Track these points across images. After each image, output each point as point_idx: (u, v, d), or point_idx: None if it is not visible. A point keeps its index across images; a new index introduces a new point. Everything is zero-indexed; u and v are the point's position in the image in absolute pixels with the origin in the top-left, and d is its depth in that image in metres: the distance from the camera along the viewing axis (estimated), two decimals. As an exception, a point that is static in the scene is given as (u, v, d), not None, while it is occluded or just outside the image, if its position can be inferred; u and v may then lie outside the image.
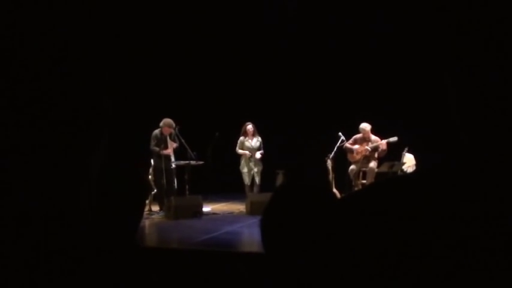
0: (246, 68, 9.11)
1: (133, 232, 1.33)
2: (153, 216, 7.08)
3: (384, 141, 7.22)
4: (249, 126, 7.57)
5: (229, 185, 8.59)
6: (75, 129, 0.96)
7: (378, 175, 7.20)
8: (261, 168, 7.62)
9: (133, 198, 1.32)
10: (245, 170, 7.59)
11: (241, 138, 7.59)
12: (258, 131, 7.68)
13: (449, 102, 0.86)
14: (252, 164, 7.55)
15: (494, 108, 0.82)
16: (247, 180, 7.60)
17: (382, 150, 7.27)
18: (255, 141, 7.60)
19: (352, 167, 7.45)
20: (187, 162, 7.29)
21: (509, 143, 0.82)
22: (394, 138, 7.17)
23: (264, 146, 7.71)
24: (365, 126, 7.36)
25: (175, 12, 7.74)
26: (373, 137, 7.36)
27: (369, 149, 7.29)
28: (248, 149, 7.55)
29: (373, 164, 7.29)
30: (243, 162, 7.60)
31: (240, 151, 7.58)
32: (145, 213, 7.18)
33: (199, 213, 6.88)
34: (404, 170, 7.07)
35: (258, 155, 7.56)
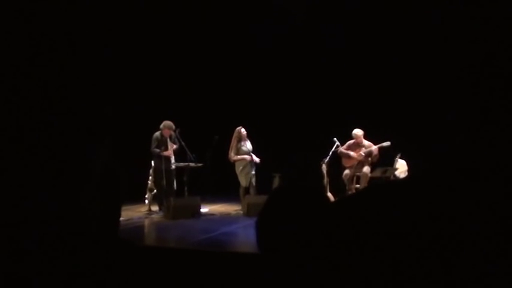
0: (245, 72, 9.10)
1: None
2: (152, 216, 7.01)
3: (376, 147, 7.23)
4: (243, 130, 7.30)
5: (226, 187, 8.56)
6: (79, 133, 0.95)
7: (371, 180, 7.19)
8: (254, 169, 7.41)
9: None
10: (243, 173, 7.30)
11: (237, 144, 7.28)
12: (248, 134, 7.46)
13: (447, 106, 0.85)
14: (249, 167, 7.30)
15: (490, 114, 0.81)
16: (245, 182, 7.31)
17: (374, 156, 7.27)
18: (249, 144, 7.38)
19: (346, 171, 7.41)
20: (186, 164, 7.24)
21: (501, 148, 0.82)
22: (387, 143, 7.17)
23: (257, 149, 7.51)
24: (357, 131, 7.37)
25: (178, 18, 7.71)
26: (366, 143, 7.35)
27: (363, 154, 7.28)
28: (245, 153, 7.27)
29: (366, 169, 7.24)
30: (241, 166, 7.28)
31: (239, 157, 7.24)
32: (145, 212, 7.19)
33: (197, 214, 6.78)
34: (397, 175, 7.07)
35: (256, 158, 7.35)
